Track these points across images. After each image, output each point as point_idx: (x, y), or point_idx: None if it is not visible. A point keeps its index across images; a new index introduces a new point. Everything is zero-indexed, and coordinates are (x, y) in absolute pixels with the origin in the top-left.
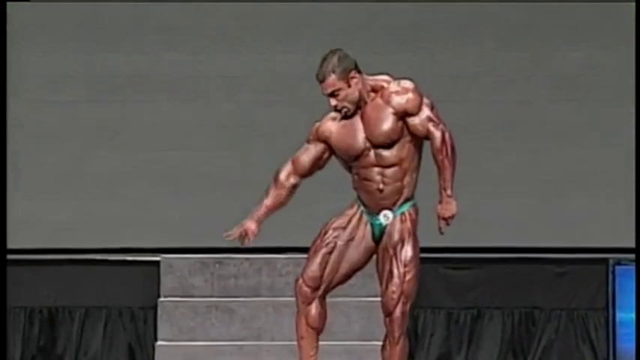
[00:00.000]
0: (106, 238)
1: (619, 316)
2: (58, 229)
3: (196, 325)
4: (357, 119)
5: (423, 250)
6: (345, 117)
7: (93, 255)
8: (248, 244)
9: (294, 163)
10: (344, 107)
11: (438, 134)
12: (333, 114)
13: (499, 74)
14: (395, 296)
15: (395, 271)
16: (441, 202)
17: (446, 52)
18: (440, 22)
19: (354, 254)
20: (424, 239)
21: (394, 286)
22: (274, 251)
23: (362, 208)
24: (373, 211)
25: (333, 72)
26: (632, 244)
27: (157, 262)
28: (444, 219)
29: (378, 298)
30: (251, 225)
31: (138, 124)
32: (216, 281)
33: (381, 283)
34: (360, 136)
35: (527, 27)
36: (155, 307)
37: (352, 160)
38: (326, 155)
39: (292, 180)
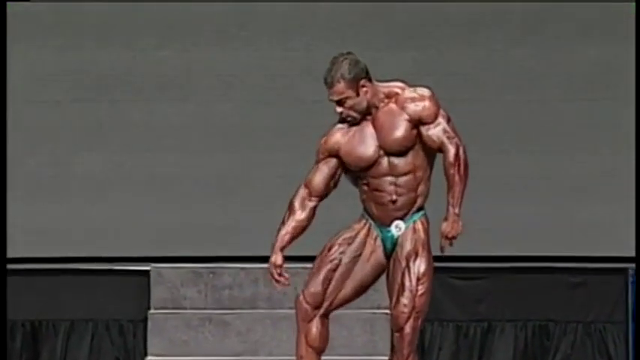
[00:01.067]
0: (92, 245)
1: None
2: (40, 236)
3: (189, 339)
4: (368, 126)
5: None
6: (353, 124)
7: (78, 264)
8: (280, 285)
9: (307, 186)
10: (349, 116)
11: (452, 148)
12: (339, 125)
13: (509, 73)
14: (406, 310)
15: (407, 284)
16: (446, 219)
17: (453, 49)
18: (447, 17)
19: (360, 271)
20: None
21: (406, 299)
22: None
23: (370, 221)
24: (384, 223)
25: (343, 79)
26: None
27: (147, 272)
28: (448, 238)
29: (382, 311)
30: (276, 259)
31: (127, 124)
32: (210, 292)
33: (391, 297)
34: (372, 143)
35: (540, 22)
36: (145, 320)
37: (363, 170)
38: (339, 171)
39: (309, 204)
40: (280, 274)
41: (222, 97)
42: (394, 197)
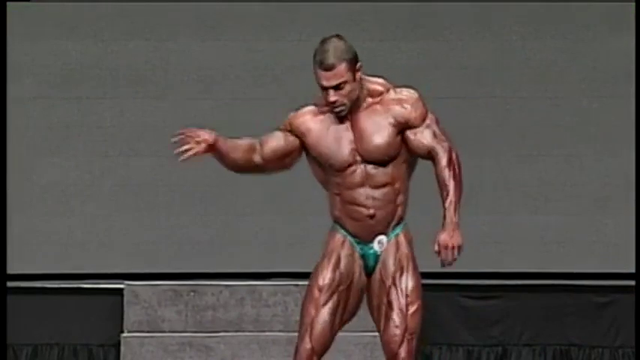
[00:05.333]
0: (58, 261)
1: None
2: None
3: None
4: (346, 124)
5: (437, 275)
6: (338, 116)
7: (43, 282)
8: (186, 157)
9: (260, 144)
10: (343, 104)
11: (443, 152)
12: (311, 108)
13: (528, 67)
14: (398, 332)
15: (395, 303)
16: (444, 228)
17: (465, 40)
18: (458, 5)
19: (352, 300)
20: (438, 262)
21: (396, 321)
22: (259, 277)
23: (348, 237)
24: (364, 240)
25: (344, 59)
26: None
27: (120, 291)
28: (449, 248)
29: None
30: (206, 134)
31: (96, 125)
32: (191, 313)
33: (377, 321)
34: (348, 145)
35: (561, 11)
36: (117, 345)
37: (333, 173)
38: (295, 154)
39: (254, 158)
40: (194, 152)
41: (202, 93)
42: (372, 211)
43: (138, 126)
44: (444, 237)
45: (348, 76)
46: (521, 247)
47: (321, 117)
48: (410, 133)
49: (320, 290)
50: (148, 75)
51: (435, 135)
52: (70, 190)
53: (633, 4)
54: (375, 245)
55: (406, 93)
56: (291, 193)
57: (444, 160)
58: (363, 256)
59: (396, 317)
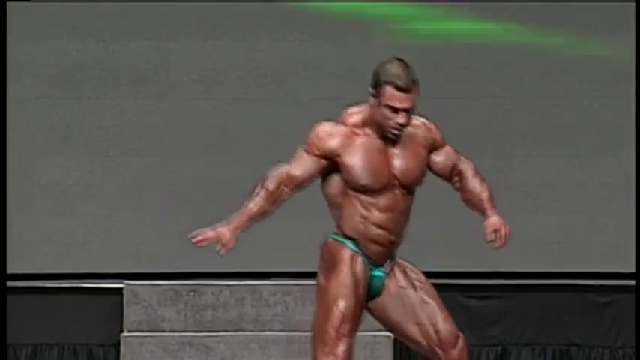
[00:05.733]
0: (58, 261)
1: None
2: None
3: None
4: (381, 146)
5: (437, 274)
6: (369, 137)
7: (43, 281)
8: (222, 252)
9: (288, 175)
10: (404, 128)
11: (467, 164)
12: (341, 127)
13: (527, 65)
14: (450, 320)
15: (432, 302)
16: (492, 217)
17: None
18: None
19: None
20: (439, 262)
21: (444, 312)
22: (259, 276)
23: (362, 257)
24: (378, 263)
25: (417, 84)
26: None
27: (120, 290)
28: (504, 230)
29: (382, 333)
30: (225, 233)
31: (97, 125)
32: (191, 312)
33: (417, 323)
34: (386, 168)
35: (561, 11)
36: (117, 344)
37: (366, 192)
38: (325, 172)
39: (284, 195)
40: (224, 249)
41: (204, 93)
42: (393, 238)
43: (139, 126)
44: (495, 220)
45: (416, 101)
46: (521, 247)
47: (355, 137)
48: (436, 155)
49: (344, 320)
50: (149, 75)
51: (455, 152)
52: (71, 189)
53: (633, 4)
54: (386, 268)
55: (420, 119)
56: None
57: (471, 172)
58: (372, 279)
59: (437, 306)
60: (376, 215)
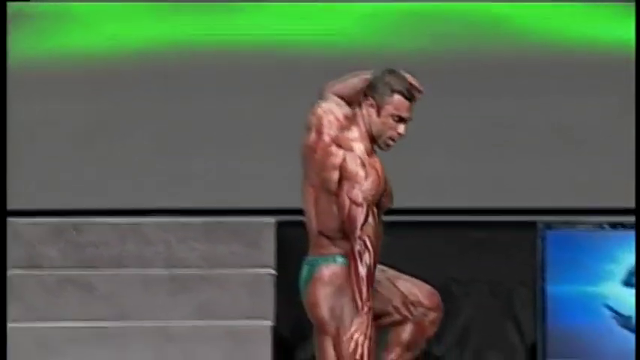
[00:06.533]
0: None
1: (549, 290)
2: None
3: (47, 304)
4: (376, 163)
5: None
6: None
7: None
8: None
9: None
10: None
11: None
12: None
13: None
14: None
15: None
16: None
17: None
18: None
19: None
20: None
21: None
22: (141, 214)
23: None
24: None
25: None
26: (567, 204)
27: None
28: None
29: (266, 270)
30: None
31: None
32: (72, 250)
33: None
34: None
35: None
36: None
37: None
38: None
39: None
40: None
41: None
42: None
43: None
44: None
45: None
46: (399, 184)
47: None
48: None
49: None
50: None
51: None
52: None
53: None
54: None
55: None
56: (179, 131)
57: None
58: None
59: (406, 277)
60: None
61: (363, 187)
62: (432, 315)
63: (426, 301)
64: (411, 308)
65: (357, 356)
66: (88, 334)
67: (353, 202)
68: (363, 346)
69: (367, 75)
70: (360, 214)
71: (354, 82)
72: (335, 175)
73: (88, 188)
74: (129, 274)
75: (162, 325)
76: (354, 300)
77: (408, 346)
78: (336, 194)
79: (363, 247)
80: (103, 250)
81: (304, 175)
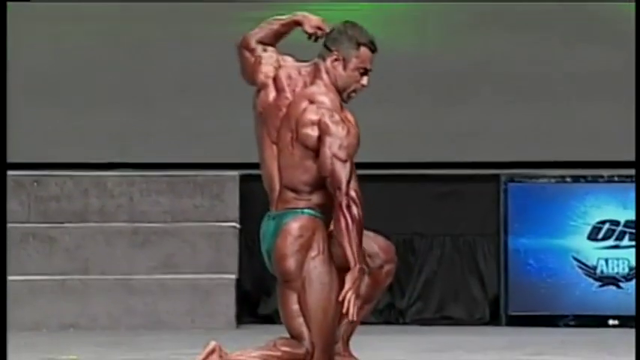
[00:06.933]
0: None
1: (511, 242)
2: None
3: (9, 257)
4: (349, 116)
5: None
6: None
7: None
8: None
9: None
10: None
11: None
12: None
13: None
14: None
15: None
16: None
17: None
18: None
19: None
20: None
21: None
22: (103, 167)
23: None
24: None
25: None
26: (527, 158)
27: None
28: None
29: (228, 223)
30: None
31: None
32: (34, 204)
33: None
34: None
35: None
36: None
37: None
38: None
39: None
40: None
41: None
42: None
43: None
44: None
45: None
46: (363, 137)
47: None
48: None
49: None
50: None
51: None
52: None
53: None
54: None
55: None
56: (138, 86)
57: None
58: None
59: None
60: None
61: (344, 143)
62: (388, 267)
63: (382, 254)
64: (368, 261)
65: (350, 317)
66: (51, 287)
67: (338, 158)
68: (355, 305)
69: (284, 19)
70: (345, 170)
71: (274, 27)
72: (314, 131)
73: (50, 142)
74: (91, 228)
75: (124, 278)
76: (344, 256)
77: (366, 298)
78: (315, 150)
79: (351, 202)
80: (66, 204)
81: (262, 132)
